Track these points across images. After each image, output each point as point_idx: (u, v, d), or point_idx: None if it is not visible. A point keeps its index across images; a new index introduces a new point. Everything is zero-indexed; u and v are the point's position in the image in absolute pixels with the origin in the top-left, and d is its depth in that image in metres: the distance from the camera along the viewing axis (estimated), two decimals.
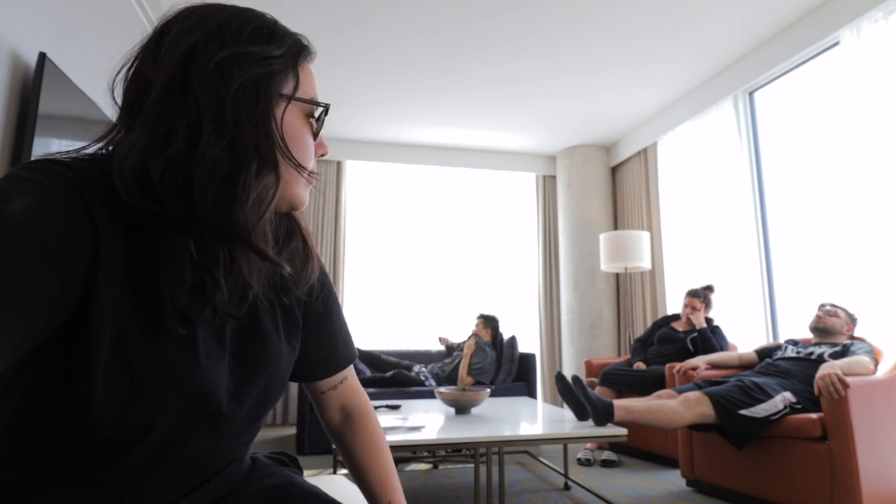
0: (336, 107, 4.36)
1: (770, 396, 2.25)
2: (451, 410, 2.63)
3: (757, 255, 3.58)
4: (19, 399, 0.50)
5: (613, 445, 3.41)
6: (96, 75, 2.31)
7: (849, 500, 1.96)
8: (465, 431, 2.02)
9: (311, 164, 0.60)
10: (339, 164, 5.08)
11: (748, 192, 3.67)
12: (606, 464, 3.13)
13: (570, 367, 4.97)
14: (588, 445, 3.27)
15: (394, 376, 3.89)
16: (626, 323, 4.70)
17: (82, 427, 0.50)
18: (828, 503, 2.03)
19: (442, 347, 4.55)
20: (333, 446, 2.18)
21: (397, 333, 4.99)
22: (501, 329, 4.24)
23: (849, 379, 2.04)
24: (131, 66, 0.55)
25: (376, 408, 2.66)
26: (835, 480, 2.01)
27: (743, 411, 2.24)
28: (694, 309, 3.44)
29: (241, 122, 0.51)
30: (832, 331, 2.56)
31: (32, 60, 1.81)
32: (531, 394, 4.03)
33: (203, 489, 0.62)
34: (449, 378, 4.06)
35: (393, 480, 0.79)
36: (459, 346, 4.28)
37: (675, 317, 3.65)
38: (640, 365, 3.41)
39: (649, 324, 4.48)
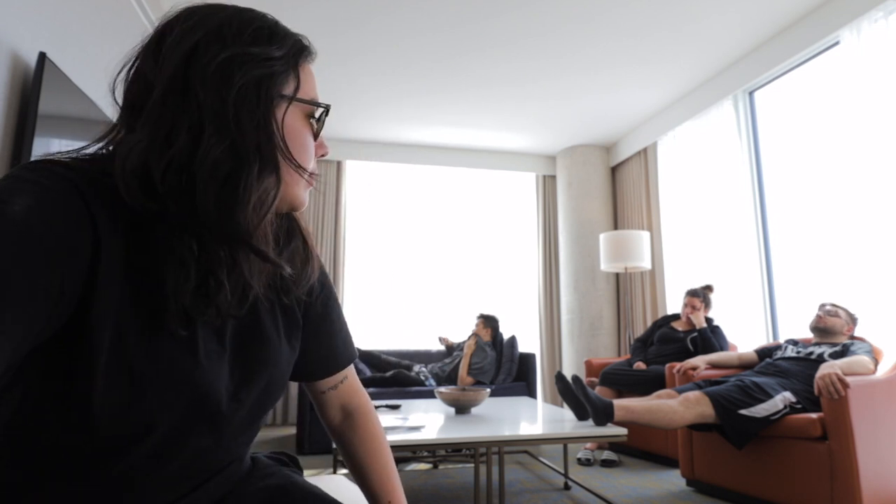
0: (336, 107, 4.36)
1: (770, 396, 2.25)
2: (451, 410, 2.63)
3: (757, 255, 3.58)
4: (19, 399, 0.50)
5: (613, 445, 3.41)
6: (96, 75, 2.31)
7: (849, 500, 1.96)
8: (465, 431, 2.02)
9: (311, 165, 0.61)
10: (339, 164, 5.09)
11: (748, 192, 3.67)
12: (606, 464, 3.13)
13: (570, 367, 4.97)
14: (588, 445, 3.27)
15: (394, 376, 3.89)
16: (626, 323, 4.70)
17: (82, 427, 0.50)
18: (828, 503, 2.03)
19: (442, 347, 4.55)
20: (333, 446, 2.19)
21: (397, 333, 4.99)
22: (501, 329, 4.24)
23: (849, 379, 2.04)
24: (132, 66, 0.55)
25: (376, 408, 2.66)
26: (835, 480, 2.01)
27: (743, 411, 2.24)
28: (694, 308, 3.44)
29: (242, 123, 0.51)
30: (833, 331, 2.56)
31: (32, 60, 1.81)
32: (531, 394, 4.03)
33: (203, 489, 0.62)
34: (449, 378, 4.06)
35: (394, 480, 0.79)
36: (459, 346, 4.28)
37: (675, 317, 3.65)
38: (640, 365, 3.41)
39: (649, 324, 4.48)
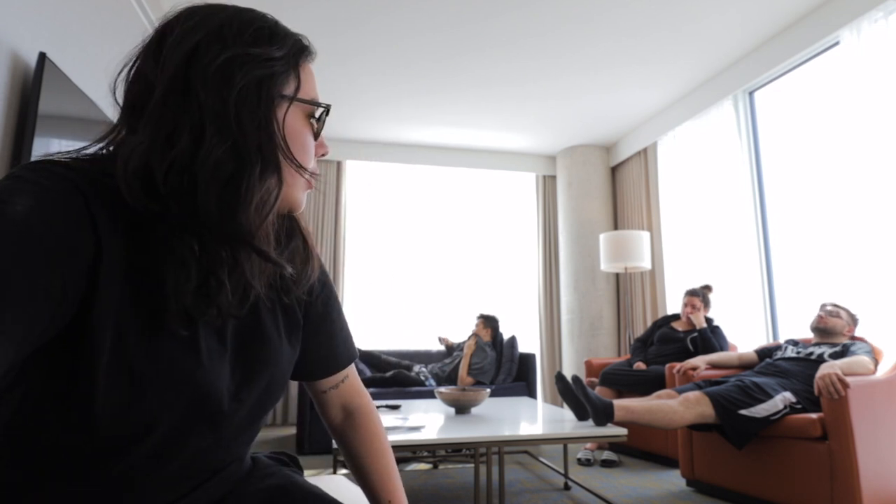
0: (336, 107, 4.36)
1: (770, 396, 2.25)
2: (451, 410, 2.63)
3: (757, 255, 3.58)
4: (20, 399, 0.50)
5: (613, 445, 3.41)
6: (96, 75, 2.31)
7: (849, 500, 1.96)
8: (465, 431, 2.02)
9: (311, 165, 0.61)
10: (339, 164, 5.09)
11: (748, 192, 3.67)
12: (606, 464, 3.13)
13: (570, 367, 4.97)
14: (588, 445, 3.27)
15: (394, 376, 3.89)
16: (626, 323, 4.70)
17: (83, 427, 0.50)
18: (828, 503, 2.03)
19: (442, 347, 4.55)
20: (334, 446, 2.19)
21: (397, 333, 4.99)
22: (501, 329, 4.24)
23: (849, 379, 2.04)
24: (132, 66, 0.55)
25: (377, 408, 2.66)
26: (835, 480, 2.01)
27: (743, 411, 2.24)
28: (694, 308, 3.44)
29: (243, 123, 0.51)
30: (833, 331, 2.56)
31: (32, 60, 1.81)
32: (531, 394, 4.03)
33: (203, 489, 0.62)
34: (449, 378, 4.06)
35: (394, 480, 0.79)
36: (459, 346, 4.28)
37: (675, 317, 3.65)
38: (640, 365, 3.41)
39: (649, 324, 4.48)
